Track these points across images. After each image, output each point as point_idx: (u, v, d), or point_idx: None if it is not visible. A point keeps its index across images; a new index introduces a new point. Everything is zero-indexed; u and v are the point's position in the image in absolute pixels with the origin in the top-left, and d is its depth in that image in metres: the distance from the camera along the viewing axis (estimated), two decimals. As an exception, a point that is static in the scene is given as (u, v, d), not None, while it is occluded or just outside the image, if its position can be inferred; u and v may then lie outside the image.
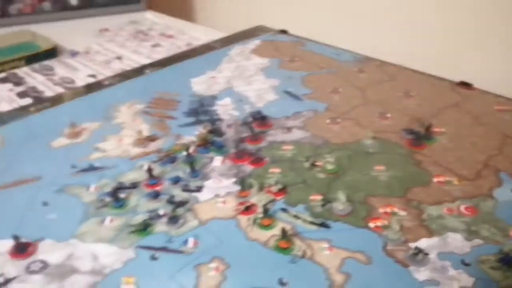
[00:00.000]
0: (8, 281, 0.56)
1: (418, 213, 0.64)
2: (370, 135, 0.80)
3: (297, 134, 0.83)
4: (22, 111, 0.96)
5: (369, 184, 0.70)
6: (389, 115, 0.88)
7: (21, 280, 0.57)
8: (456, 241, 0.60)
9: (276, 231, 0.62)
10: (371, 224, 0.63)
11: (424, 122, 0.81)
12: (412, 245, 0.59)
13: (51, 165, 0.77)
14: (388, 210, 0.65)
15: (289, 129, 0.85)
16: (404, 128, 0.83)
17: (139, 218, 0.65)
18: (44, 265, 0.58)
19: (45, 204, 0.68)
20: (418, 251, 0.57)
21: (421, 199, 0.67)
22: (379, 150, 0.78)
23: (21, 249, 0.60)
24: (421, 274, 0.55)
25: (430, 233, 0.61)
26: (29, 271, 0.58)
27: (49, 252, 0.60)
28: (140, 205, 0.68)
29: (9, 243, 0.61)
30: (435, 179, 0.70)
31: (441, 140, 0.80)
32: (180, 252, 0.60)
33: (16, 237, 0.60)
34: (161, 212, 0.66)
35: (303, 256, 0.58)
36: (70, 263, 0.59)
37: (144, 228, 0.63)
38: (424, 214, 0.64)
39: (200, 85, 1.03)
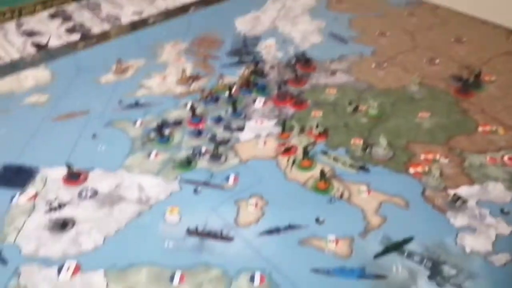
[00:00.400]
0: (62, 205, 0.60)
1: (460, 161, 0.64)
2: (416, 81, 0.78)
3: (341, 78, 0.82)
4: (71, 47, 0.98)
5: (411, 130, 0.69)
6: (437, 61, 0.85)
7: (74, 205, 0.61)
8: (497, 190, 0.59)
9: (315, 172, 0.63)
10: (411, 170, 0.63)
11: (474, 70, 0.78)
12: (452, 192, 0.59)
13: (99, 100, 0.80)
14: (430, 157, 0.65)
15: (333, 72, 0.84)
16: (453, 75, 0.80)
17: (183, 154, 0.67)
18: (95, 192, 0.62)
19: (94, 136, 0.72)
20: (457, 198, 0.57)
21: (464, 147, 0.66)
22: (424, 97, 0.76)
23: (74, 177, 0.64)
24: (458, 220, 0.56)
25: (471, 181, 0.61)
26: (81, 197, 0.62)
27: (99, 180, 0.64)
28: (183, 141, 0.70)
29: (63, 171, 0.65)
30: (480, 128, 0.69)
31: (490, 89, 0.77)
32: (221, 187, 0.62)
33: (69, 165, 0.64)
34: (203, 149, 0.68)
35: (340, 198, 0.59)
36: (118, 192, 0.62)
37: (187, 163, 0.66)
38: (466, 162, 0.63)
39: (244, 24, 1.02)
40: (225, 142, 0.69)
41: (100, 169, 0.66)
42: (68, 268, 0.53)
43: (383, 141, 0.65)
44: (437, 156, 0.65)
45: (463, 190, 0.59)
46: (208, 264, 0.53)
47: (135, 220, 0.58)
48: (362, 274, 0.51)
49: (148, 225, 0.57)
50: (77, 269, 0.53)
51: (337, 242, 0.54)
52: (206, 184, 0.63)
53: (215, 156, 0.66)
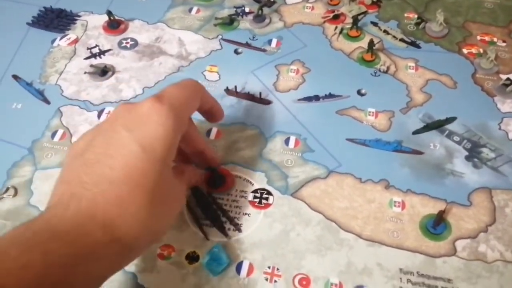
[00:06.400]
0: (102, 52, 0.60)
1: (519, 46, 0.60)
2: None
3: None
4: None
5: (471, 8, 0.64)
6: None
7: (114, 54, 0.60)
8: (554, 78, 0.56)
9: (362, 43, 0.60)
10: (465, 50, 0.59)
11: None
12: (504, 76, 0.56)
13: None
14: (487, 38, 0.61)
15: None
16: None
17: (225, 12, 0.64)
18: (135, 43, 0.61)
19: (135, -14, 0.69)
20: (510, 82, 0.54)
21: (526, 32, 0.61)
22: (491, -26, 0.69)
23: (114, 26, 0.62)
24: (506, 105, 0.54)
25: (527, 68, 0.57)
26: (121, 46, 0.61)
27: (139, 32, 0.63)
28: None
29: (103, 18, 0.63)
30: (547, 13, 0.63)
31: None
32: (263, 50, 0.60)
33: (109, 12, 0.62)
34: (247, 9, 0.65)
35: (386, 71, 0.57)
36: (158, 45, 0.61)
37: (229, 22, 0.63)
38: (524, 48, 0.59)
39: None
40: (270, 3, 0.65)
41: (139, 21, 0.64)
42: (109, 112, 0.54)
43: (440, 16, 0.60)
44: (495, 39, 0.61)
45: (517, 76, 0.56)
46: (245, 124, 0.53)
47: (175, 74, 0.58)
48: (398, 147, 0.50)
49: (188, 80, 0.56)
50: (117, 115, 0.53)
51: (376, 115, 0.53)
52: (247, 45, 0.61)
53: (259, 17, 0.63)
